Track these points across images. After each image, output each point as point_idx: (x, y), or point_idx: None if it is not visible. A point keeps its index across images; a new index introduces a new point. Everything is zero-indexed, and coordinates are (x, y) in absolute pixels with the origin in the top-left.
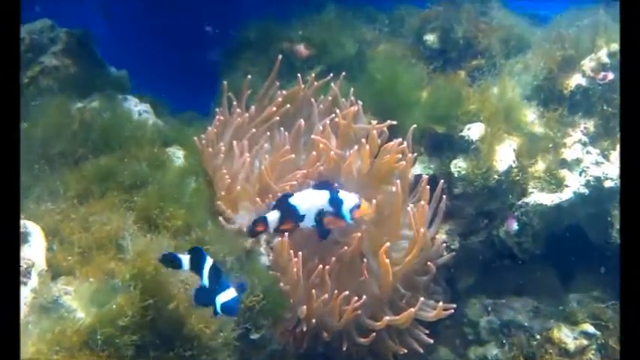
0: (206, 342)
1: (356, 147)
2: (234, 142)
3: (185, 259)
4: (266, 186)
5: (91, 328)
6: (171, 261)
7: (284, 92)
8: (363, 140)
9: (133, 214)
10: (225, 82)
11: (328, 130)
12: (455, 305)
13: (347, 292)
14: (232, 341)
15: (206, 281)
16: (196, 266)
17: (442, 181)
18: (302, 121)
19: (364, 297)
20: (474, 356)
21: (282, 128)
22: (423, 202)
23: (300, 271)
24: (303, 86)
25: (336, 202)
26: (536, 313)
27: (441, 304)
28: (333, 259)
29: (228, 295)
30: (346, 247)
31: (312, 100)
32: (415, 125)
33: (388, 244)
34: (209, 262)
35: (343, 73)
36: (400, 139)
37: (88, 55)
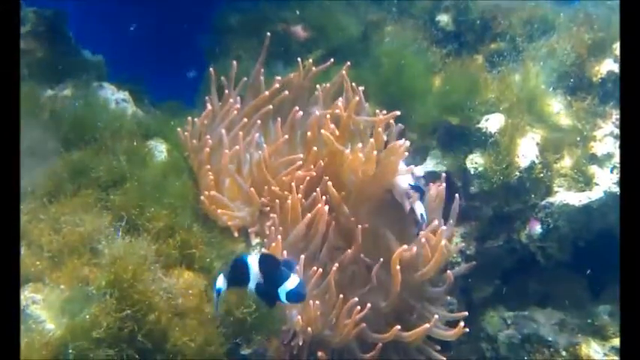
0: (191, 357)
1: (360, 145)
2: (223, 132)
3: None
4: (262, 180)
5: (62, 340)
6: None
7: (278, 78)
8: (372, 140)
9: (109, 214)
10: (211, 69)
11: (327, 122)
12: (467, 329)
13: (355, 299)
14: (221, 357)
15: (259, 277)
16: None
17: (458, 196)
18: (297, 109)
19: (368, 305)
20: None
21: (278, 118)
22: (443, 228)
23: (302, 276)
24: (299, 72)
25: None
26: (562, 326)
27: (461, 324)
28: (336, 265)
29: (292, 282)
30: (349, 251)
31: (318, 86)
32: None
33: (405, 246)
34: (255, 256)
35: (348, 63)
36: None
37: (60, 38)
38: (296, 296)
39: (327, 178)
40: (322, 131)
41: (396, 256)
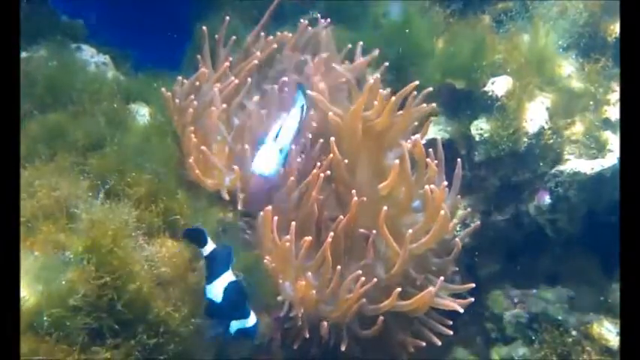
0: (175, 329)
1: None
2: (216, 90)
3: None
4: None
5: (37, 308)
6: (196, 238)
7: (271, 38)
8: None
9: (87, 178)
10: (204, 28)
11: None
12: (471, 300)
13: (359, 272)
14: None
15: (218, 297)
16: (211, 269)
17: (460, 162)
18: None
19: (374, 280)
20: (497, 356)
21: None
22: (445, 183)
23: (293, 245)
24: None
25: None
26: (572, 304)
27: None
28: (331, 233)
29: (248, 321)
30: (341, 217)
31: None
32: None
33: (385, 208)
34: (229, 276)
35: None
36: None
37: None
38: (247, 336)
39: (332, 139)
40: (312, 92)
41: (381, 220)
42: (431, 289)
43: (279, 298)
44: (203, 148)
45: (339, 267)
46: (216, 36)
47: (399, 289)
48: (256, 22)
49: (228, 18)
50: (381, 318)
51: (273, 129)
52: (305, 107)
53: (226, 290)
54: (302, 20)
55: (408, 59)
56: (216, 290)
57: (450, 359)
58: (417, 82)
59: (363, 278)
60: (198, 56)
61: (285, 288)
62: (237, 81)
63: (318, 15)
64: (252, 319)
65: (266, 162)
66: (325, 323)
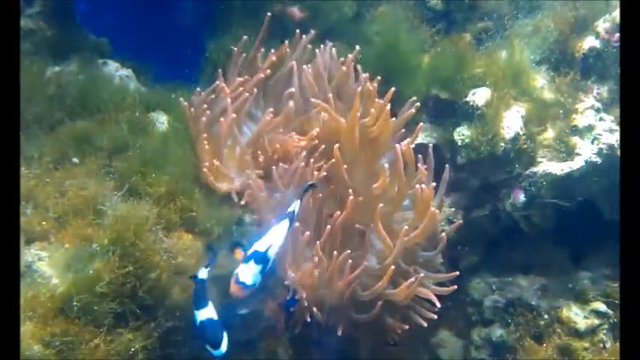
0: (190, 313)
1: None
2: (228, 100)
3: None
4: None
5: (67, 294)
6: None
7: (272, 52)
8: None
9: (112, 179)
10: (235, 48)
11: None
12: (454, 287)
13: (348, 252)
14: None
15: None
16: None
17: (448, 167)
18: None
19: (365, 264)
20: (477, 337)
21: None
22: (433, 184)
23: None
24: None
25: None
26: (545, 291)
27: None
28: (328, 227)
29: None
30: (338, 212)
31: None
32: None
33: (381, 205)
34: (210, 310)
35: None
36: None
37: (66, 20)
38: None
39: (336, 146)
40: (314, 100)
41: (376, 217)
42: (417, 276)
43: (286, 282)
44: (215, 161)
45: (335, 252)
46: (235, 50)
47: (393, 267)
48: (264, 40)
49: (245, 37)
50: (380, 303)
51: (263, 244)
52: (295, 214)
53: (202, 324)
54: (297, 31)
55: (398, 73)
56: (198, 317)
57: (435, 339)
58: (393, 89)
59: (349, 261)
60: (220, 70)
61: (290, 275)
62: (247, 94)
63: (313, 32)
64: (222, 348)
65: (251, 275)
66: (316, 307)
